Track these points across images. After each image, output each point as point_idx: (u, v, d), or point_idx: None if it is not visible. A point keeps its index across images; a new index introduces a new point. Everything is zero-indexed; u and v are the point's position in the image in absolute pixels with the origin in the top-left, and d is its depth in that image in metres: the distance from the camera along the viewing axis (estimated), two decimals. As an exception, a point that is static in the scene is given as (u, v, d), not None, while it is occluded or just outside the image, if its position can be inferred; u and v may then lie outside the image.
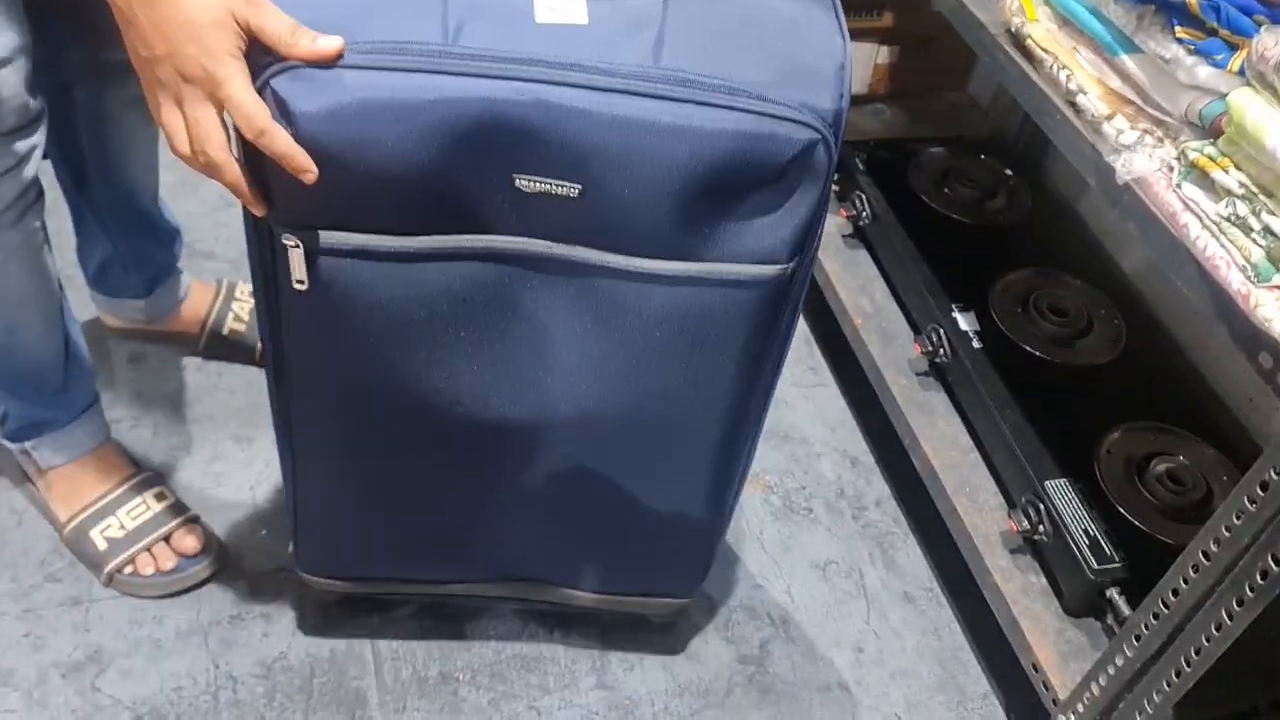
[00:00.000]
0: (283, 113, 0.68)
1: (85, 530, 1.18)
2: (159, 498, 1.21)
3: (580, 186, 0.72)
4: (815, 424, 1.47)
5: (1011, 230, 1.47)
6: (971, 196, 1.49)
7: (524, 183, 0.72)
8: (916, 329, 1.38)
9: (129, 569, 1.17)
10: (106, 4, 1.09)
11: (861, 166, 1.51)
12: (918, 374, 1.35)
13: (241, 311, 1.42)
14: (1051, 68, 1.01)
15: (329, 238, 0.74)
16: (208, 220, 1.62)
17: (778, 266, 0.78)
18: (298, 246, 0.74)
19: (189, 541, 1.19)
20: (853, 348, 1.42)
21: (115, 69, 1.15)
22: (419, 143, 0.69)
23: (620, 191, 0.72)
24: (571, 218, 0.75)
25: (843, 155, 1.53)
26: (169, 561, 1.17)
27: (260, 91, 0.68)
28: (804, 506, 1.38)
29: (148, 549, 1.18)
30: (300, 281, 0.76)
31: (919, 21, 1.61)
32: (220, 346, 1.42)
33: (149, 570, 1.17)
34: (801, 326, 1.60)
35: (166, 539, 1.19)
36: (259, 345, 1.39)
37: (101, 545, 1.18)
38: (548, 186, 0.72)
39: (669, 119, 0.70)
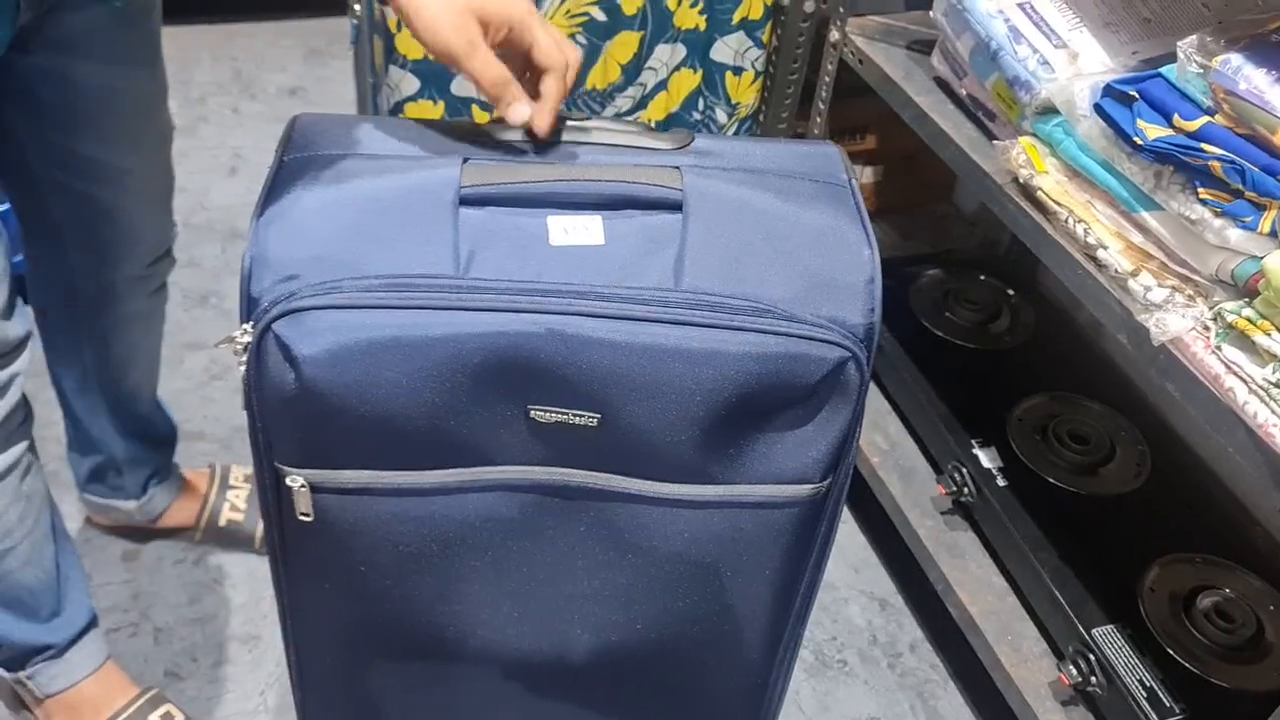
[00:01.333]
0: (285, 357, 0.65)
1: None
2: (166, 718, 1.14)
3: (599, 415, 0.69)
4: (838, 566, 1.43)
5: (1019, 352, 1.45)
6: (974, 319, 1.48)
7: (539, 414, 0.69)
8: (937, 467, 1.34)
9: None
10: (112, 222, 1.07)
11: (861, 296, 1.49)
12: (942, 513, 1.31)
13: (238, 500, 1.36)
14: (1067, 220, 0.99)
15: (335, 476, 0.71)
16: (194, 396, 1.57)
17: (811, 486, 0.74)
18: (304, 486, 0.71)
19: None
20: (870, 486, 1.39)
21: (122, 285, 1.12)
22: (427, 381, 0.67)
23: (642, 419, 0.69)
24: (591, 446, 0.71)
25: (840, 285, 1.53)
26: None
27: (261, 337, 0.66)
28: (837, 659, 1.33)
29: None
30: (305, 514, 0.73)
31: (902, 141, 1.61)
32: (218, 538, 1.36)
33: None
34: (812, 460, 1.57)
35: None
36: (258, 532, 1.34)
37: None
38: (565, 417, 0.69)
39: (691, 344, 0.67)
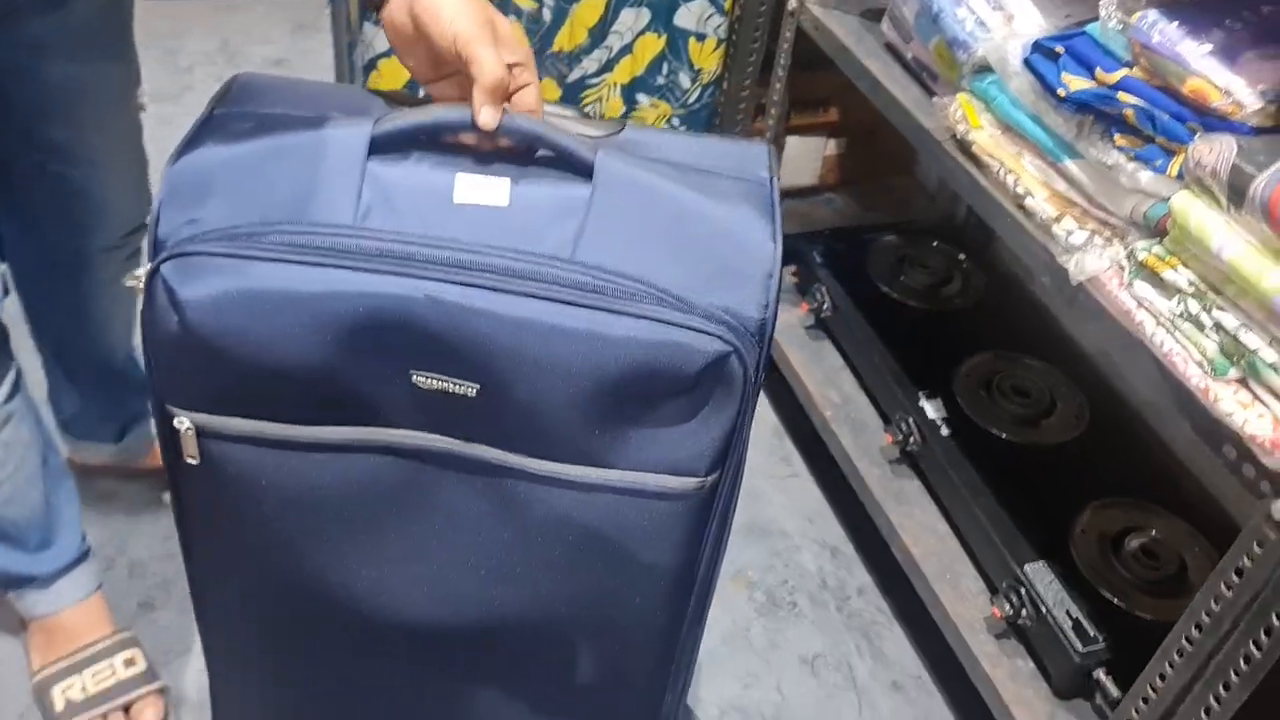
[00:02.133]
0: (170, 300, 0.66)
1: (48, 686, 1.16)
2: (128, 663, 1.18)
3: (479, 385, 0.69)
4: (792, 516, 1.49)
5: (968, 314, 1.51)
6: (927, 282, 1.53)
7: (420, 379, 0.69)
8: (886, 418, 1.40)
9: None
10: (85, 200, 1.10)
11: (819, 259, 1.55)
12: (890, 462, 1.37)
13: None
14: (998, 172, 1.05)
15: (219, 421, 0.72)
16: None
17: (696, 479, 0.73)
18: (190, 429, 0.72)
19: (148, 715, 1.16)
20: (823, 438, 1.45)
21: (97, 254, 1.16)
22: (308, 335, 0.67)
23: (522, 393, 0.69)
24: (472, 416, 0.71)
25: (800, 248, 1.59)
26: None
27: (150, 277, 0.67)
28: (788, 600, 1.38)
29: (103, 716, 1.15)
30: (192, 457, 0.73)
31: (862, 114, 1.66)
32: None
33: None
34: (770, 417, 1.62)
35: (126, 709, 1.16)
36: None
37: (59, 705, 1.15)
38: (445, 385, 0.69)
39: (572, 323, 0.67)
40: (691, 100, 1.44)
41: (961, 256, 1.57)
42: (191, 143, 0.70)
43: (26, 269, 1.19)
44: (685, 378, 0.68)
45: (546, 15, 1.30)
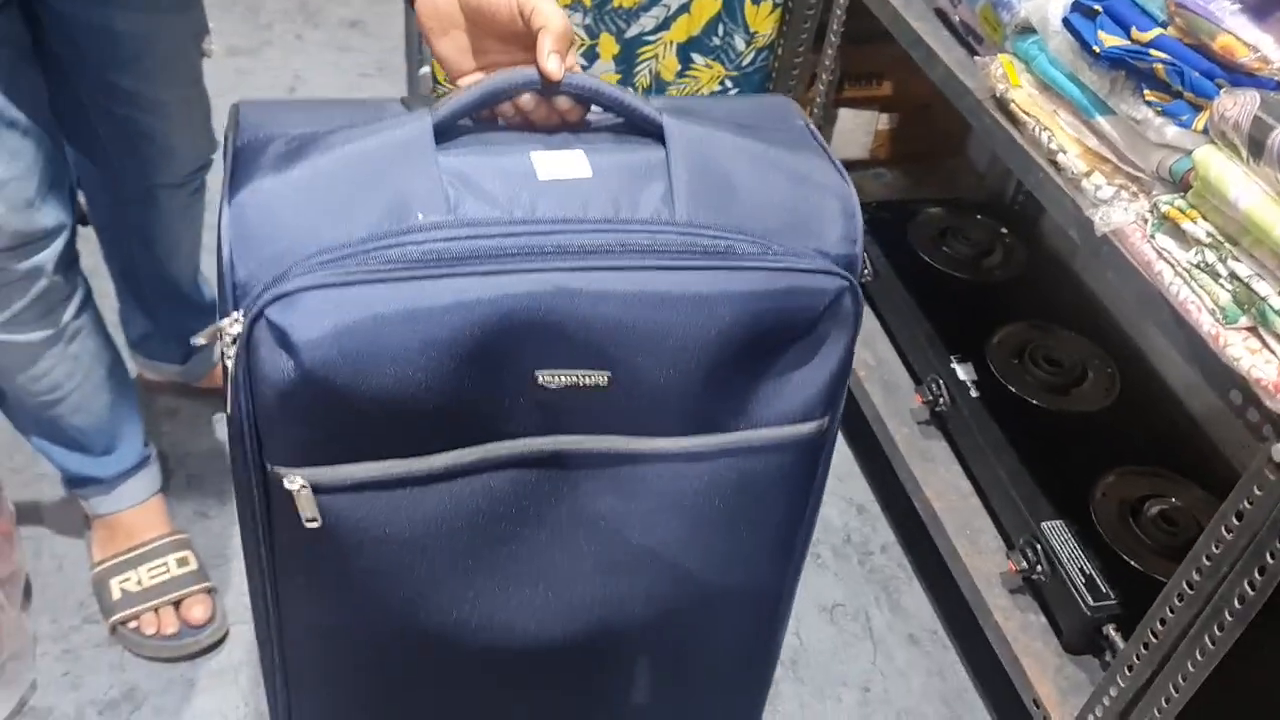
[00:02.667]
0: (281, 344, 0.60)
1: (106, 578, 1.24)
2: (181, 562, 1.26)
3: (609, 373, 0.66)
4: (822, 473, 1.52)
5: (1007, 285, 1.53)
6: (969, 254, 1.56)
7: (548, 378, 0.66)
8: (918, 380, 1.43)
9: (133, 624, 1.22)
10: (151, 142, 1.17)
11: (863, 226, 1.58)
12: (919, 423, 1.40)
13: None
14: (1034, 129, 1.07)
15: (334, 472, 0.65)
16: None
17: (814, 423, 0.73)
18: (305, 488, 0.65)
19: (196, 611, 1.23)
20: (856, 399, 1.48)
21: (162, 191, 1.23)
22: (434, 354, 0.62)
23: (652, 371, 0.66)
24: (600, 407, 0.68)
25: (845, 216, 1.62)
26: (171, 626, 1.22)
27: (253, 325, 0.60)
28: (812, 552, 1.42)
29: (155, 609, 1.22)
30: (313, 520, 0.66)
31: (916, 90, 1.69)
32: None
33: (150, 630, 1.21)
34: (808, 380, 1.66)
35: (177, 604, 1.23)
36: None
37: (116, 595, 1.23)
38: (575, 379, 0.66)
39: (697, 287, 0.65)
40: (745, 63, 1.48)
41: (1004, 230, 1.59)
42: (237, 178, 0.64)
43: (100, 201, 1.27)
44: (808, 320, 0.69)
45: None
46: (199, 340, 0.65)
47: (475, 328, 0.62)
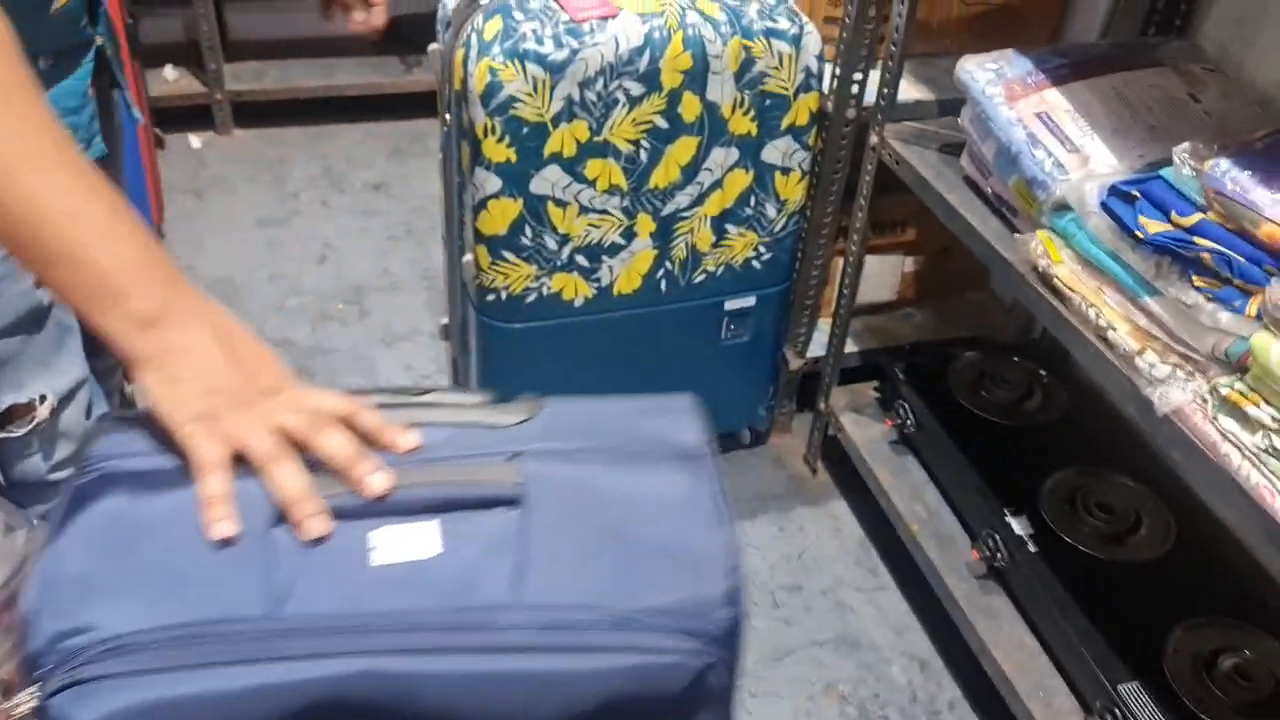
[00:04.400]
0: None
1: None
2: None
3: None
4: (881, 628, 1.52)
5: (1051, 429, 1.54)
6: (1008, 398, 1.58)
7: None
8: (972, 534, 1.44)
9: None
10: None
11: (901, 375, 1.60)
12: (977, 577, 1.40)
13: None
14: (1081, 306, 1.10)
15: None
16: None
17: None
18: None
19: None
20: (910, 552, 1.48)
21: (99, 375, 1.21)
22: None
23: None
24: None
25: (883, 364, 1.65)
26: None
27: (38, 712, 0.56)
28: (879, 714, 1.41)
29: None
30: None
31: (939, 233, 1.73)
32: None
33: None
34: (856, 529, 1.66)
35: None
36: None
37: None
38: None
39: (534, 667, 0.59)
40: (778, 229, 1.52)
41: (1042, 372, 1.61)
42: (62, 525, 0.59)
43: None
44: (666, 700, 0.61)
45: (643, 156, 1.39)
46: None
47: (278, 714, 0.57)
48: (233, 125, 2.55)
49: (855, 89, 1.45)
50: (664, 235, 1.46)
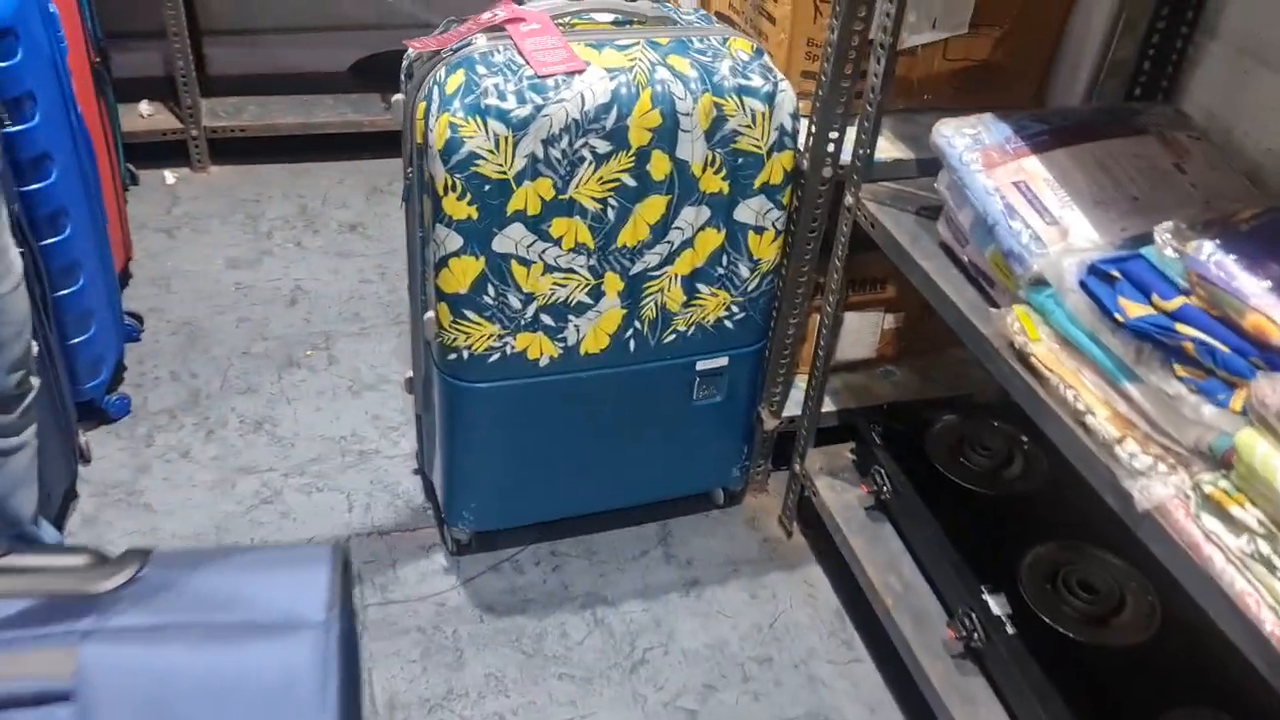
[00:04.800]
0: None
1: None
2: None
3: None
4: (854, 704, 1.46)
5: (1031, 499, 1.49)
6: (988, 465, 1.52)
7: None
8: (949, 610, 1.38)
9: None
10: None
11: (878, 439, 1.55)
12: (954, 657, 1.34)
13: None
14: (1058, 387, 1.05)
15: None
16: (242, 520, 1.65)
17: None
18: None
19: None
20: (884, 626, 1.42)
21: None
22: None
23: None
24: None
25: (859, 426, 1.59)
26: None
27: None
28: (851, 800, 1.35)
29: None
30: None
31: (919, 292, 1.68)
32: None
33: None
34: (831, 598, 1.60)
35: None
36: None
37: None
38: None
39: None
40: (751, 289, 1.46)
41: (1024, 439, 1.56)
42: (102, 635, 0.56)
43: None
44: None
45: (610, 214, 1.33)
46: None
47: None
48: (209, 161, 2.51)
49: (831, 147, 1.41)
50: (633, 295, 1.41)
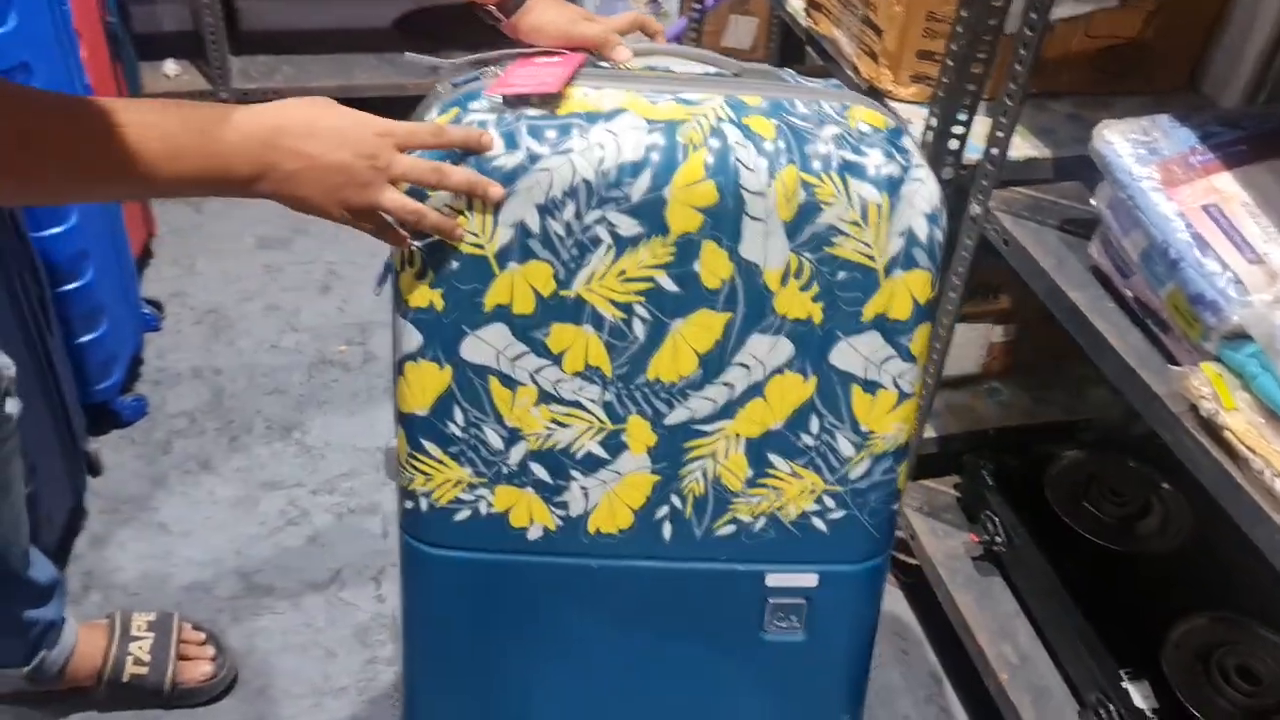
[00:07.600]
0: None
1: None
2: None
3: None
4: (956, 790, 1.27)
5: (1174, 559, 1.28)
6: (1119, 514, 1.31)
7: None
8: (1077, 695, 1.18)
9: None
10: None
11: (990, 480, 1.34)
12: (1084, 751, 1.15)
13: (141, 651, 1.28)
14: (1261, 471, 0.84)
15: None
16: (265, 543, 1.48)
17: None
18: None
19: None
20: (998, 704, 1.23)
21: None
22: None
23: None
24: None
25: (969, 465, 1.38)
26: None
27: None
28: None
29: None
30: None
31: (1037, 302, 1.46)
32: (123, 696, 1.27)
33: None
34: (930, 658, 1.41)
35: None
36: (166, 682, 1.28)
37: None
38: None
39: None
40: (855, 476, 0.92)
41: (1165, 485, 1.34)
42: None
43: None
44: None
45: (638, 329, 0.86)
46: None
47: None
48: (239, 126, 2.32)
49: (954, 144, 1.18)
50: (670, 455, 0.91)
